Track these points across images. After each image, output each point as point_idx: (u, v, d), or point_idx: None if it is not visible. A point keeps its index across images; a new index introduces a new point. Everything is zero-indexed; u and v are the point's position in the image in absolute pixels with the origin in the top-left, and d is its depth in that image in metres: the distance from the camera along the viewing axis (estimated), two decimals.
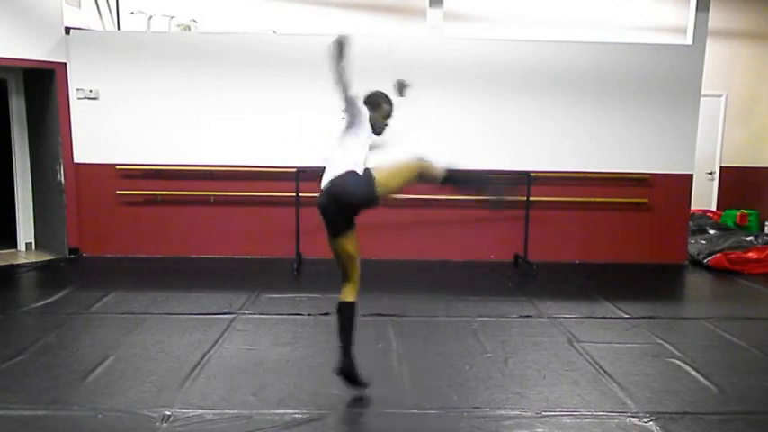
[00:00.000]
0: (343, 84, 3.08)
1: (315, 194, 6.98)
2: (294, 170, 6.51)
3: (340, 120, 3.30)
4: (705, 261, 6.83)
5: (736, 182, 9.03)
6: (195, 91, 6.66)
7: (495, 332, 4.51)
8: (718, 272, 6.65)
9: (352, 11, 8.28)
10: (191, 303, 5.08)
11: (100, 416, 3.11)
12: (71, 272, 6.23)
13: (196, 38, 6.84)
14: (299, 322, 4.66)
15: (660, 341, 4.38)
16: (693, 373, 3.82)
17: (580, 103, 6.80)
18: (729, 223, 8.37)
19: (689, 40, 6.81)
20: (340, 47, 3.00)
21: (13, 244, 7.07)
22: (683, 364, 3.95)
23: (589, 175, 6.88)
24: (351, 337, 3.35)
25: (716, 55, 8.11)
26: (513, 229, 6.85)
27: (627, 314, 5.03)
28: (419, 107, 6.71)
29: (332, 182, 3.23)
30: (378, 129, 3.45)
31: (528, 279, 6.27)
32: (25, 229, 7.06)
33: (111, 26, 7.41)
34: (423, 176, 3.34)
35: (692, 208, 7.41)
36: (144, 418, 3.09)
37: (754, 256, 6.64)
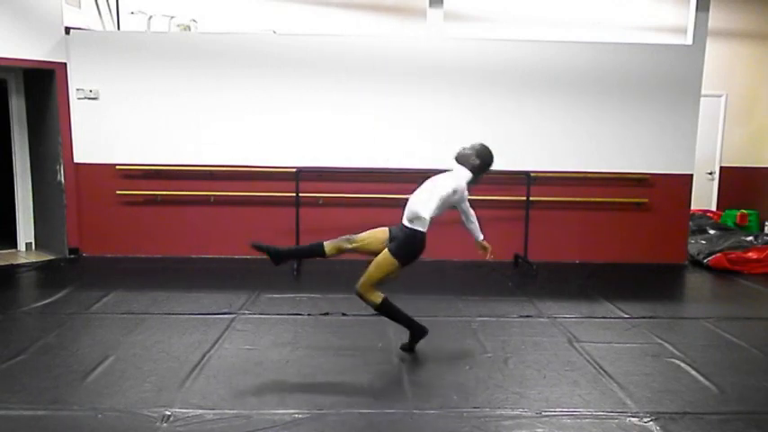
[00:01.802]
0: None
1: (314, 194, 7.00)
2: (294, 170, 6.53)
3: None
4: (705, 261, 6.83)
5: (736, 182, 9.04)
6: (195, 91, 6.66)
7: (495, 332, 4.51)
8: (718, 272, 6.66)
9: (352, 11, 8.29)
10: (191, 303, 5.08)
11: (100, 416, 3.11)
12: (71, 272, 6.23)
13: (196, 38, 6.84)
14: (299, 322, 4.66)
15: (660, 341, 4.38)
16: (693, 373, 3.82)
17: (580, 103, 6.80)
18: (729, 223, 8.37)
19: (689, 40, 6.80)
20: None
21: (13, 244, 7.07)
22: (683, 364, 3.95)
23: (589, 175, 6.88)
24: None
25: (716, 55, 8.11)
26: (513, 229, 6.85)
27: (627, 314, 5.03)
28: (419, 107, 6.75)
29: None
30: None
31: (528, 279, 6.27)
32: (25, 229, 7.06)
33: (111, 26, 7.41)
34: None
35: (692, 208, 7.41)
36: (144, 418, 3.09)
37: (754, 256, 6.64)
